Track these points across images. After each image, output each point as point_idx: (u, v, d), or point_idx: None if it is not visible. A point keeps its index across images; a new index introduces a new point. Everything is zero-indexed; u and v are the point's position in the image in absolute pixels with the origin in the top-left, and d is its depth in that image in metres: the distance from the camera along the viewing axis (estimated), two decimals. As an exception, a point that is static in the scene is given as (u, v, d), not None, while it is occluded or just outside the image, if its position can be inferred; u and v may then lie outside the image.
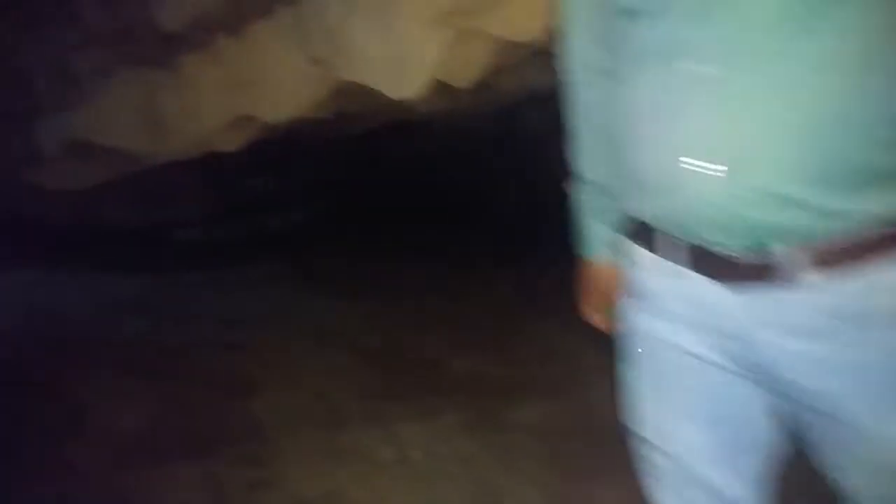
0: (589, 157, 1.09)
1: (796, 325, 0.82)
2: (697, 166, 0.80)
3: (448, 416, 2.42)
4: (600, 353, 2.73)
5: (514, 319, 3.25)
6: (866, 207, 0.77)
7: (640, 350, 1.01)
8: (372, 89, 2.07)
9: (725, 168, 0.78)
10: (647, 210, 0.93)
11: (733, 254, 0.83)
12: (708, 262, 0.86)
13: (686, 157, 0.81)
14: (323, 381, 2.75)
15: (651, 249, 0.94)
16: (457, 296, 3.64)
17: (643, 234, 0.95)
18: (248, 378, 2.78)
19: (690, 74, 0.80)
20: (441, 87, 2.08)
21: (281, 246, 4.69)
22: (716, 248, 0.85)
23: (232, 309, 3.62)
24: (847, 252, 0.78)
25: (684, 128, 0.81)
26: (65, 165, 3.00)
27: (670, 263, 0.91)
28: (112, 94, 2.70)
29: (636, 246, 0.98)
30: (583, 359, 2.72)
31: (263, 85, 2.35)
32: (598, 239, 1.13)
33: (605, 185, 1.07)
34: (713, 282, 0.86)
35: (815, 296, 0.80)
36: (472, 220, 5.06)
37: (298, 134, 3.02)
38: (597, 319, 1.17)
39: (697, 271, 0.88)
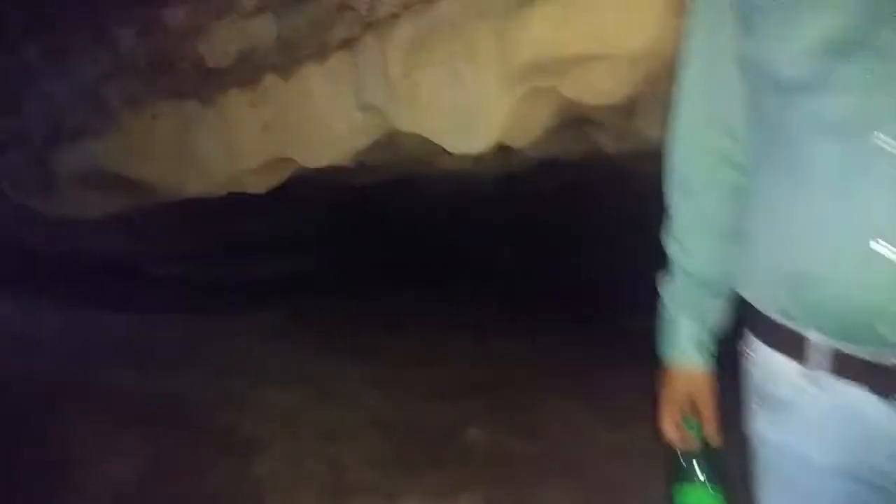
0: (691, 246, 1.00)
1: None
2: (891, 251, 0.72)
3: (465, 493, 2.25)
4: (624, 428, 2.63)
5: (531, 389, 3.10)
6: None
7: (770, 465, 0.91)
8: (428, 142, 2.01)
9: None
10: (797, 307, 0.83)
11: None
12: (869, 370, 0.77)
13: (879, 238, 0.73)
14: (326, 445, 2.58)
15: (789, 353, 0.84)
16: (470, 362, 3.50)
17: (779, 334, 0.85)
18: (246, 436, 2.59)
19: (882, 152, 0.73)
20: (498, 146, 2.03)
21: (282, 294, 4.51)
22: (883, 354, 0.75)
23: (228, 359, 3.42)
24: None
25: (877, 208, 0.74)
26: (74, 194, 2.88)
27: (814, 370, 0.81)
28: (142, 125, 2.62)
29: (766, 348, 0.88)
30: (605, 435, 2.59)
31: (306, 128, 2.27)
32: (688, 338, 1.02)
33: (708, 278, 0.99)
34: (870, 392, 0.77)
35: None
36: (490, 283, 4.95)
37: (324, 179, 2.95)
38: (675, 432, 1.03)
39: (852, 380, 0.79)
